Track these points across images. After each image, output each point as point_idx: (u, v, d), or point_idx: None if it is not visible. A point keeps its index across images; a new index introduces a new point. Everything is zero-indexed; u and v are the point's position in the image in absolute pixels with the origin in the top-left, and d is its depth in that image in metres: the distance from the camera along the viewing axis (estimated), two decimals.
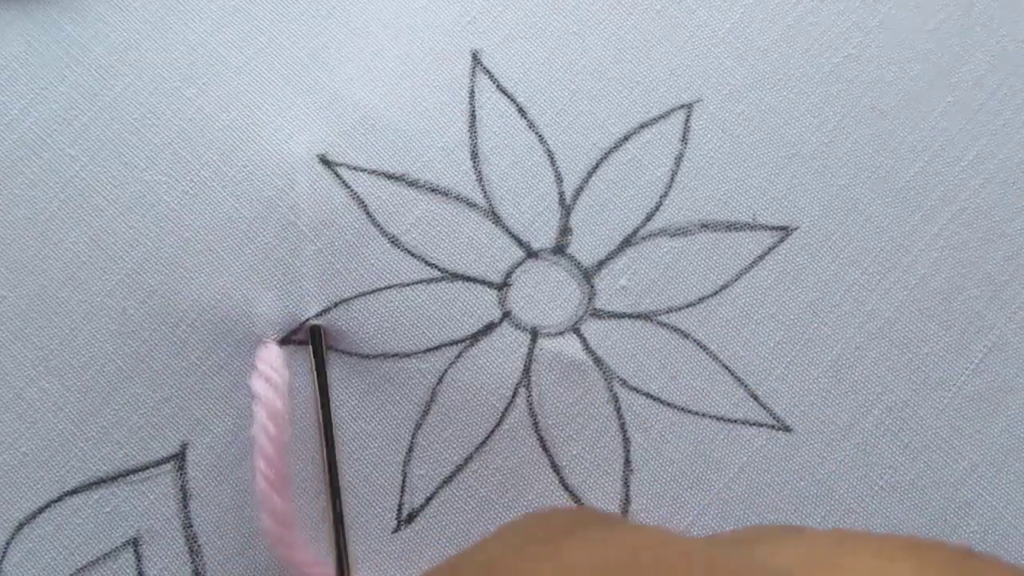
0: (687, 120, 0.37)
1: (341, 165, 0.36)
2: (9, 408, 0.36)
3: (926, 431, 0.36)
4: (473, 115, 0.37)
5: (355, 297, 0.36)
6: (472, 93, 0.37)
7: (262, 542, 0.36)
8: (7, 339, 0.36)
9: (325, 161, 0.36)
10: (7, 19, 0.37)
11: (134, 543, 0.35)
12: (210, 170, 0.36)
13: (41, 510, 0.35)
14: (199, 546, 0.35)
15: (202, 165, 0.36)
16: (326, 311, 0.36)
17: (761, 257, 0.37)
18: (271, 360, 0.35)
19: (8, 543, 0.35)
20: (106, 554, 0.35)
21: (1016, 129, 0.37)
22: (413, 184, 0.36)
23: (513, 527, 0.29)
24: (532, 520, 0.29)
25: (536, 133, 0.37)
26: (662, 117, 0.37)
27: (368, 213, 0.36)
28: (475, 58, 0.37)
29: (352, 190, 0.36)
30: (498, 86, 0.37)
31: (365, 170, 0.36)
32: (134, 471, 0.35)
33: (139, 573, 0.35)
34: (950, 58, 0.38)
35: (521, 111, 0.37)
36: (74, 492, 0.35)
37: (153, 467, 0.36)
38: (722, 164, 0.37)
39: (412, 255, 0.36)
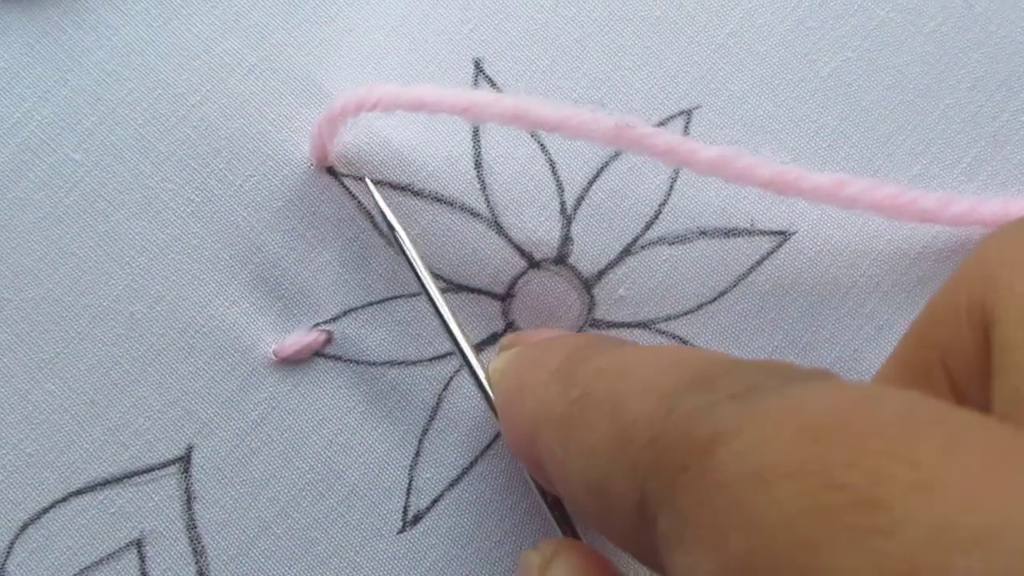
0: (686, 127, 0.37)
1: (347, 176, 0.36)
2: (15, 409, 0.36)
3: None
4: (476, 124, 0.37)
5: (362, 307, 0.36)
6: None
7: (265, 544, 0.36)
8: (12, 342, 0.36)
9: (332, 172, 0.36)
10: (8, 21, 0.36)
11: (138, 544, 0.35)
12: (216, 178, 0.36)
13: (46, 510, 0.35)
14: (203, 547, 0.36)
15: (208, 173, 0.36)
16: (334, 319, 0.36)
17: (759, 262, 0.37)
18: None
19: (12, 543, 0.35)
20: (110, 555, 0.35)
21: (1014, 131, 0.37)
22: (419, 194, 0.36)
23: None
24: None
25: (538, 142, 0.37)
26: (662, 124, 0.37)
27: (374, 225, 0.36)
28: (477, 66, 0.37)
29: (359, 201, 0.36)
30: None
31: (372, 181, 0.36)
32: (139, 472, 0.36)
33: (143, 574, 0.35)
34: (948, 61, 0.38)
35: None
36: (79, 493, 0.35)
37: (158, 469, 0.36)
38: None
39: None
